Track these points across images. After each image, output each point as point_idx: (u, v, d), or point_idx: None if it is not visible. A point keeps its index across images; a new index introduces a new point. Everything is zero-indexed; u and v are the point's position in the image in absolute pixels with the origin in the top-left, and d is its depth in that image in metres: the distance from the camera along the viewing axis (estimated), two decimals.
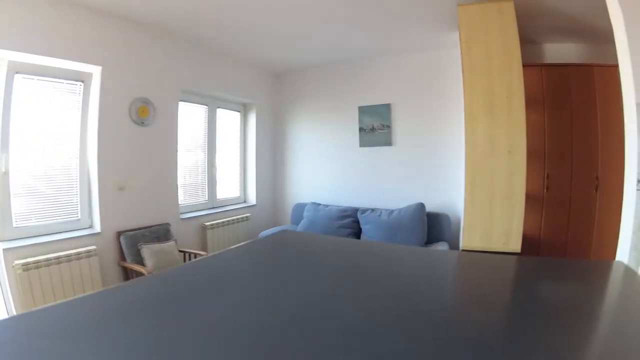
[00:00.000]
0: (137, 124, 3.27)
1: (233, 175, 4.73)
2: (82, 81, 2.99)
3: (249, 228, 4.47)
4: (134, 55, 3.21)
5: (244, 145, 4.83)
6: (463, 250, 2.92)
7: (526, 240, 3.27)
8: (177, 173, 3.74)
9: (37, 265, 2.58)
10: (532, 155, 3.24)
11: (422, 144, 4.12)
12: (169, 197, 3.62)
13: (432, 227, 3.82)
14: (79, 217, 3.05)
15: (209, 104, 4.22)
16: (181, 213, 3.82)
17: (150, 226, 3.30)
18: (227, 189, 4.63)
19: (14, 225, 2.67)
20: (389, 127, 4.26)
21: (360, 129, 4.43)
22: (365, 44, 3.90)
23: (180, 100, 3.81)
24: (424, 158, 4.11)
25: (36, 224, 2.79)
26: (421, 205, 3.77)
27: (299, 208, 4.51)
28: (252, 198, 4.80)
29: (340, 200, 4.54)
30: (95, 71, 2.97)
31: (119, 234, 3.09)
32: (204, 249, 3.93)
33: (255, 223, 4.60)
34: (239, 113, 4.74)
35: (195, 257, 3.33)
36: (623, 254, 2.01)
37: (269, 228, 4.54)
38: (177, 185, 3.72)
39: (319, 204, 4.36)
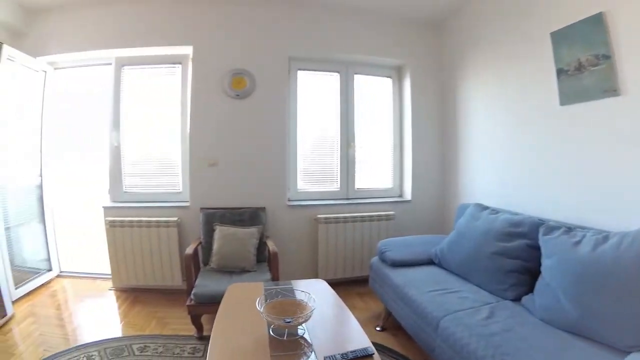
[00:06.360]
0: (230, 97, 3.36)
1: (385, 160, 3.93)
2: (180, 63, 3.48)
3: (386, 231, 3.56)
4: (225, 28, 3.34)
5: (400, 121, 3.88)
6: None
7: None
8: (288, 151, 3.55)
9: (122, 224, 3.23)
10: None
11: None
12: (274, 178, 3.48)
13: None
14: (181, 189, 3.48)
15: (341, 70, 3.73)
16: (293, 200, 3.60)
17: (238, 208, 3.29)
18: (375, 177, 3.93)
19: (124, 190, 3.48)
20: (607, 58, 2.10)
21: (559, 72, 2.46)
22: None
23: (300, 69, 3.64)
24: None
25: (142, 191, 3.50)
26: None
27: (462, 211, 3.05)
28: (408, 192, 3.76)
29: (521, 202, 2.78)
30: (189, 51, 3.34)
31: (201, 210, 3.26)
32: (313, 245, 3.52)
33: (399, 225, 3.64)
34: (389, 79, 3.90)
35: (270, 253, 2.93)
36: None
37: (412, 234, 3.36)
38: (285, 165, 3.52)
39: (486, 208, 2.78)
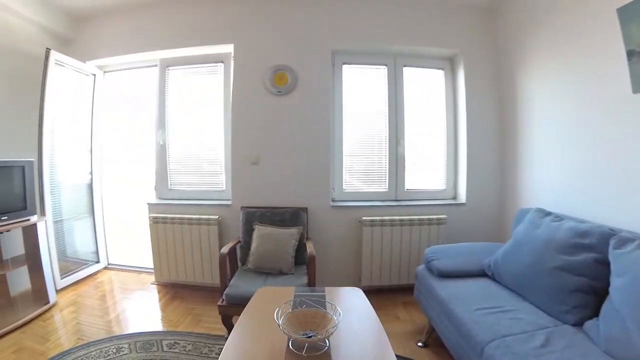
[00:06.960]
0: (272, 94, 3.35)
1: (437, 159, 3.71)
2: (222, 62, 3.56)
3: (437, 236, 3.34)
4: (265, 24, 3.36)
5: (454, 117, 3.63)
6: None
7: None
8: (332, 149, 3.47)
9: (164, 221, 3.37)
10: None
11: None
12: (318, 177, 3.42)
13: None
14: (224, 188, 3.58)
15: (388, 63, 3.56)
16: (338, 200, 3.51)
17: (279, 207, 3.26)
18: (427, 177, 3.72)
19: (169, 187, 3.63)
20: None
21: (630, 54, 2.11)
22: None
23: (345, 64, 3.55)
24: None
25: (187, 189, 3.63)
26: None
27: (522, 217, 2.77)
28: (462, 194, 3.53)
29: (589, 208, 2.46)
30: (230, 49, 3.41)
31: (242, 209, 3.29)
32: (357, 249, 3.39)
33: (452, 230, 3.40)
34: (441, 71, 3.64)
35: (307, 253, 2.85)
36: None
37: (466, 241, 3.13)
38: (330, 164, 3.44)
39: (548, 214, 2.48)
